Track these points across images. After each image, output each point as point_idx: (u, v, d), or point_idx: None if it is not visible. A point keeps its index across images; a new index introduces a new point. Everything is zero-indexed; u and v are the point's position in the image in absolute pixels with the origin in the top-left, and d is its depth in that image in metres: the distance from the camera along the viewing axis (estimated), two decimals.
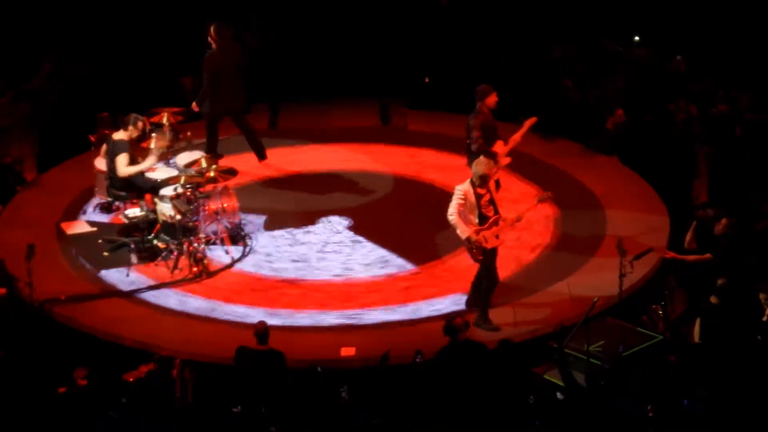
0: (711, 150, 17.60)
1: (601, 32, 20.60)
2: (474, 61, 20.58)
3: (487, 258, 13.82)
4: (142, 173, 15.52)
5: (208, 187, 15.53)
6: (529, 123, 15.34)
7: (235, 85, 17.27)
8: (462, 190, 13.66)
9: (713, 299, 13.31)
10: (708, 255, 14.39)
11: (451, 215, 13.72)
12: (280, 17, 21.43)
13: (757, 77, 19.16)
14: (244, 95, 17.45)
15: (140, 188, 15.59)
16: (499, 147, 15.12)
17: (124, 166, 15.31)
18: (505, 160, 15.18)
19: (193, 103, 17.17)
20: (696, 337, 13.57)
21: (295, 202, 17.24)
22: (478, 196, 13.61)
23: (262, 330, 12.48)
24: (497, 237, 13.79)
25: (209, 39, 17.09)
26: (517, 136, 15.25)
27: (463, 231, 13.68)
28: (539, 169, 18.09)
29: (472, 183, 13.63)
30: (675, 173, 17.54)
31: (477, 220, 13.65)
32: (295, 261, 15.69)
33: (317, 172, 18.25)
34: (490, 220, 13.68)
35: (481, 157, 13.78)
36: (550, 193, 14.18)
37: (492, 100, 15.29)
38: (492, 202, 13.73)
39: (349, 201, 17.28)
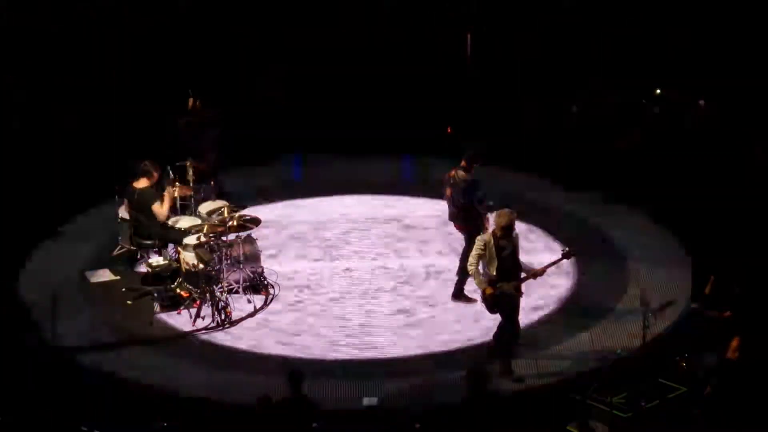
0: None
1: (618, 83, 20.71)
2: (495, 113, 20.77)
3: (506, 310, 13.74)
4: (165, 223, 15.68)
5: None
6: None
7: None
8: (483, 241, 13.60)
9: (732, 355, 13.16)
10: (728, 313, 14.31)
11: (470, 266, 13.68)
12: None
13: None
14: None
15: (164, 237, 15.67)
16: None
17: (161, 211, 15.53)
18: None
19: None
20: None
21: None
22: (499, 249, 13.52)
23: (297, 375, 12.29)
24: (517, 290, 13.73)
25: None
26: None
27: (479, 283, 13.66)
28: (562, 218, 18.14)
29: (494, 235, 13.60)
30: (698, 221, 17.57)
31: (495, 273, 13.59)
32: None
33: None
34: (510, 273, 13.61)
35: (504, 209, 13.75)
36: (574, 249, 14.03)
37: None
38: (513, 254, 13.66)
39: None
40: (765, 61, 19.49)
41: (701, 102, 19.62)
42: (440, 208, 16.91)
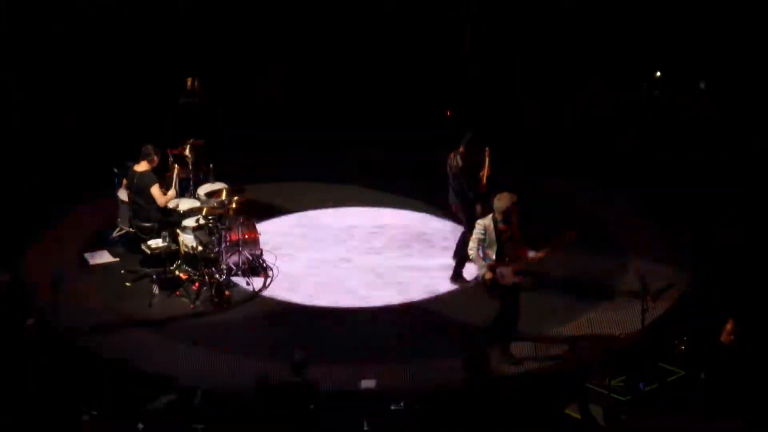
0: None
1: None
2: (495, 113, 20.81)
3: (506, 294, 13.68)
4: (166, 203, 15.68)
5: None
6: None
7: None
8: (482, 224, 13.55)
9: (725, 338, 13.10)
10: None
11: (471, 250, 13.64)
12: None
13: None
14: None
15: (163, 219, 15.66)
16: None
17: (162, 197, 15.50)
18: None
19: None
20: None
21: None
22: (499, 232, 13.47)
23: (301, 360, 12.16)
24: (517, 274, 13.68)
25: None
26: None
27: (480, 267, 13.62)
28: (561, 206, 18.25)
29: (494, 219, 13.56)
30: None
31: (495, 256, 13.53)
32: None
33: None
34: (510, 257, 13.59)
35: (504, 193, 13.71)
36: (575, 233, 14.02)
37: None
38: (513, 238, 13.63)
39: None
40: (765, 61, 19.54)
41: (701, 85, 19.68)
42: None
